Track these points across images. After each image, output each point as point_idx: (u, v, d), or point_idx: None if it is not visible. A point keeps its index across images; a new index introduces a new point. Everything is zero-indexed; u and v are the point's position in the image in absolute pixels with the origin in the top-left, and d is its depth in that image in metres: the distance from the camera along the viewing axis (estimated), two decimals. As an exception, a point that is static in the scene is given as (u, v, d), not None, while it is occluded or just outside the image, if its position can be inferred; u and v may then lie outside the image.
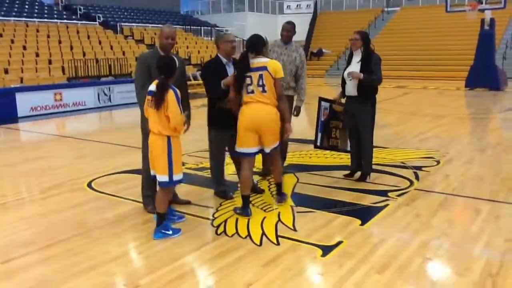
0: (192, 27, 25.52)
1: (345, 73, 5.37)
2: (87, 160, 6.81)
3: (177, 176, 3.94)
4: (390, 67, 23.36)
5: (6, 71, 13.59)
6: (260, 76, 4.34)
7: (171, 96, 3.75)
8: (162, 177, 3.91)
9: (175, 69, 3.90)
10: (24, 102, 11.24)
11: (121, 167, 6.35)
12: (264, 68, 4.36)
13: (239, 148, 4.50)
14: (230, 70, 4.73)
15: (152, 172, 4.06)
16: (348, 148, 5.73)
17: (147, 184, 4.49)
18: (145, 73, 4.24)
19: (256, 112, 4.35)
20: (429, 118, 10.37)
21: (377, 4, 30.60)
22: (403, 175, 5.80)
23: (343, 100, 5.62)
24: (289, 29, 5.55)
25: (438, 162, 6.43)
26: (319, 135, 5.66)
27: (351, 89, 5.36)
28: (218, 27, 27.88)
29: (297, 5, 32.58)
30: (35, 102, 11.48)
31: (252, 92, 4.35)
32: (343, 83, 5.45)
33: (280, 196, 4.85)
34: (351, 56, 5.43)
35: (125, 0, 26.47)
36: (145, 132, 4.25)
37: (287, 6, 32.58)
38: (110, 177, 5.91)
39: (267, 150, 4.50)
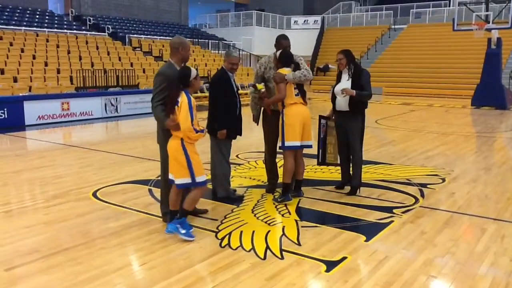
0: (200, 40, 25.71)
1: (337, 89, 5.56)
2: (93, 170, 6.83)
3: (200, 178, 4.13)
4: (396, 84, 23.49)
5: (15, 80, 13.73)
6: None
7: (184, 102, 4.02)
8: (182, 180, 4.10)
9: (189, 77, 4.14)
10: (31, 111, 11.32)
11: (127, 177, 6.37)
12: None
13: (292, 142, 5.05)
14: (233, 82, 5.30)
15: (170, 176, 4.21)
16: (338, 161, 5.83)
17: (166, 200, 4.50)
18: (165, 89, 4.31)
19: (304, 110, 5.16)
20: (435, 136, 10.35)
21: (384, 21, 30.73)
22: (409, 192, 5.78)
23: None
24: (287, 45, 5.55)
25: (444, 180, 6.41)
26: (320, 152, 5.75)
27: (343, 104, 5.54)
28: (225, 40, 28.08)
29: (305, 21, 32.76)
30: (42, 111, 11.55)
31: (298, 94, 5.14)
32: (333, 98, 5.65)
33: (298, 192, 5.42)
34: (340, 74, 5.67)
35: (134, 12, 26.75)
36: (162, 146, 4.40)
37: (295, 22, 32.75)
38: (116, 187, 5.92)
39: (310, 143, 5.26)
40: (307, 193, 5.60)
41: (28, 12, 21.17)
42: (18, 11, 20.78)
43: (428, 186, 6.06)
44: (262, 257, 3.82)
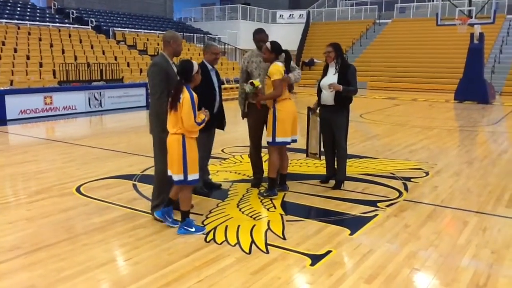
0: (185, 33, 25.52)
1: (323, 83, 5.56)
2: (76, 165, 6.75)
3: (192, 176, 4.09)
4: (381, 78, 23.66)
5: (-5, 73, 13.49)
6: None
7: (186, 99, 3.96)
8: (177, 176, 4.08)
9: (192, 72, 4.08)
10: (13, 105, 11.13)
11: (110, 172, 6.31)
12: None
13: (283, 138, 5.11)
14: (213, 76, 5.20)
15: (169, 172, 4.19)
16: (314, 151, 5.79)
17: (157, 193, 4.53)
18: (164, 80, 4.32)
19: (294, 106, 5.25)
20: (419, 130, 10.45)
21: (369, 16, 30.86)
22: (393, 185, 5.83)
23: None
24: (264, 39, 5.45)
25: (427, 173, 6.48)
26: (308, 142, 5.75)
27: (328, 98, 5.57)
28: (211, 34, 27.95)
29: (290, 15, 32.73)
30: (24, 105, 11.37)
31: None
32: (319, 92, 5.66)
33: (283, 186, 5.47)
34: (326, 67, 5.66)
35: (118, 5, 26.45)
36: (158, 138, 4.38)
37: (280, 16, 32.72)
38: (99, 182, 5.87)
39: (297, 137, 5.30)
40: (292, 187, 5.61)
41: (9, 4, 20.79)
42: (0, 3, 20.39)
43: (412, 179, 6.12)
44: (247, 251, 3.83)
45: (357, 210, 4.90)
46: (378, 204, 5.09)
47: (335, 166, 5.79)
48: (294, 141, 5.28)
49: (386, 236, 4.19)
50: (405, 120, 12.19)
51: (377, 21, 29.71)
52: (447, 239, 4.13)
